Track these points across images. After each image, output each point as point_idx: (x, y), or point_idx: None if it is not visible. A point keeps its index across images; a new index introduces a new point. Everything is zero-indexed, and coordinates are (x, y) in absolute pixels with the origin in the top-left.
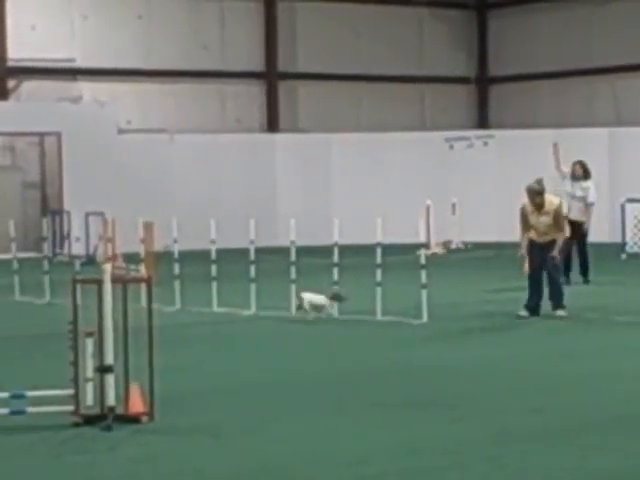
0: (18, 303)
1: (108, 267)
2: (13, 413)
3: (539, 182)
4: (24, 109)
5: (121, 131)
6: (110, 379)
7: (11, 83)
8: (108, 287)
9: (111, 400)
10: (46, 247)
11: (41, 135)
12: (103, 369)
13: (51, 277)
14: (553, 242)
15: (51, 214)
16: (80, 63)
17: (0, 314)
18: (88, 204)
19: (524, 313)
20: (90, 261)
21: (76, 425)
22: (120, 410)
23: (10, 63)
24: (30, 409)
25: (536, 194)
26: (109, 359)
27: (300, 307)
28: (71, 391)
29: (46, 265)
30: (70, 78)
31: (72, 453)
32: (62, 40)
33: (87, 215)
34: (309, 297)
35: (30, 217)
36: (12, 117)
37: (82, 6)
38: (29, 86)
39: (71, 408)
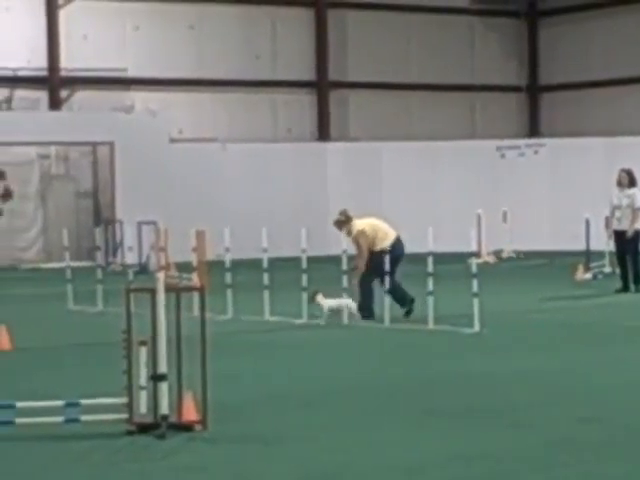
0: (71, 312)
1: (161, 276)
2: (67, 421)
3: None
4: (77, 119)
5: (173, 140)
6: (164, 387)
7: (64, 93)
8: (161, 296)
9: (164, 408)
10: (99, 256)
11: (94, 145)
12: (157, 377)
13: (104, 286)
14: None
15: (104, 223)
16: (132, 73)
17: (54, 323)
18: (140, 213)
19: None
20: (143, 270)
21: (130, 433)
22: (173, 418)
23: (63, 73)
24: (84, 417)
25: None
26: (162, 367)
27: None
28: (125, 399)
29: (99, 274)
30: (122, 88)
31: (126, 461)
32: (114, 50)
33: (139, 224)
34: (328, 302)
35: (83, 226)
36: (65, 127)
37: (134, 16)
38: (82, 96)
39: (125, 416)
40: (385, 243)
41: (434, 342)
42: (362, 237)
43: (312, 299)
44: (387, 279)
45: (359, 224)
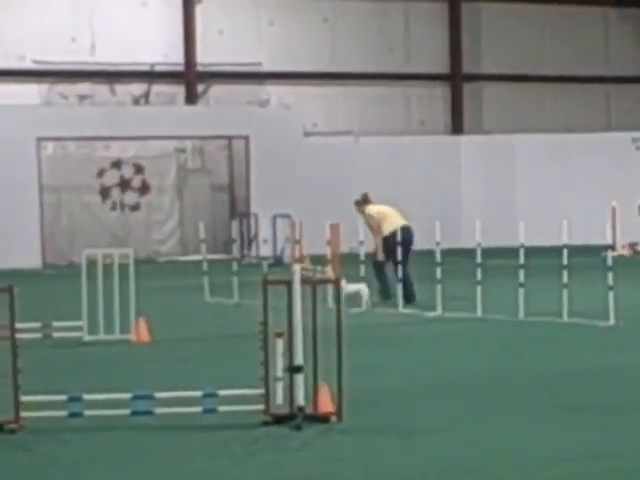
0: (208, 304)
1: (297, 268)
2: (205, 412)
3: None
4: (213, 113)
5: (307, 134)
6: (300, 379)
7: (200, 88)
8: (297, 288)
9: (301, 400)
10: (235, 249)
11: (229, 138)
12: (293, 369)
13: (240, 278)
14: None
15: (239, 216)
16: (267, 67)
17: (191, 315)
18: (275, 206)
19: None
20: (277, 263)
21: (266, 424)
22: (309, 410)
23: (199, 68)
24: (222, 408)
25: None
26: (299, 359)
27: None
28: (261, 390)
29: (235, 266)
30: (257, 82)
31: (262, 451)
32: (249, 44)
33: (274, 217)
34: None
35: (219, 219)
36: (201, 121)
37: (269, 11)
38: (217, 90)
39: (261, 407)
40: (389, 229)
41: (568, 335)
42: (370, 219)
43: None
44: (399, 267)
45: (371, 208)
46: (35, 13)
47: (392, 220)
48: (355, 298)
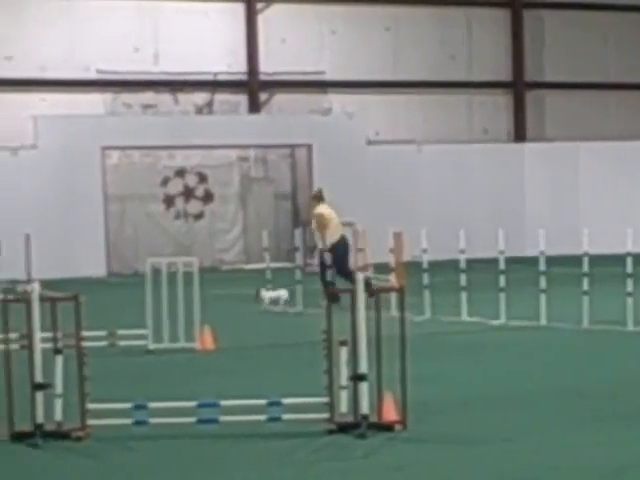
0: (272, 312)
1: (361, 277)
2: (270, 420)
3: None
4: (276, 122)
5: (370, 142)
6: (364, 387)
7: (263, 96)
8: (361, 297)
9: (365, 408)
10: (298, 257)
11: (292, 147)
12: (357, 377)
13: (303, 287)
14: None
15: (302, 225)
16: (329, 75)
17: (254, 323)
18: (338, 215)
19: None
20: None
21: (330, 432)
22: (373, 418)
23: (262, 77)
24: (286, 416)
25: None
26: (363, 368)
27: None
28: (326, 399)
29: (298, 275)
30: (320, 91)
31: (327, 460)
32: (312, 53)
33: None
34: (269, 294)
35: (282, 228)
36: (264, 130)
37: (331, 20)
38: (280, 99)
39: (326, 415)
40: (335, 237)
41: (634, 344)
42: (320, 218)
43: (256, 296)
44: (330, 272)
45: (323, 208)
46: (100, 24)
47: (337, 229)
48: (276, 302)
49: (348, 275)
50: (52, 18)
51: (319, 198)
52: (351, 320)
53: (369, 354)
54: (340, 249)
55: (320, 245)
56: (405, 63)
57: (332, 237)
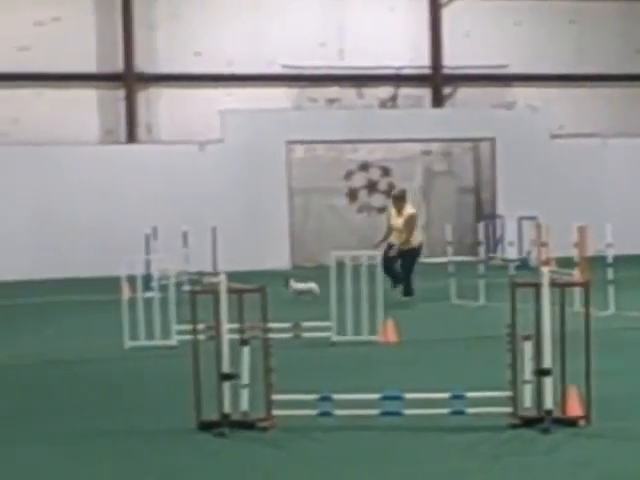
0: (454, 306)
1: (546, 271)
2: (453, 413)
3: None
4: (459, 115)
5: (554, 136)
6: (548, 382)
7: (447, 90)
8: (546, 291)
9: (549, 403)
10: (481, 251)
11: (475, 141)
12: (541, 372)
13: (486, 280)
14: None
15: (485, 219)
16: (513, 69)
17: (438, 317)
18: (521, 208)
19: None
20: (523, 265)
21: (514, 427)
22: (557, 413)
23: (446, 71)
24: (469, 410)
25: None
26: (547, 362)
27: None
28: (509, 393)
29: (481, 269)
30: (503, 84)
31: (510, 454)
32: (496, 47)
33: (520, 219)
34: (297, 285)
35: (464, 222)
36: (448, 124)
37: (515, 12)
38: (464, 93)
39: (509, 410)
40: (419, 240)
41: None
42: (412, 218)
43: (286, 284)
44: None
45: (412, 209)
46: (285, 19)
47: (420, 232)
48: (305, 294)
49: (402, 279)
50: (238, 14)
51: (404, 199)
52: (535, 314)
53: (554, 349)
54: (418, 253)
55: (398, 244)
56: (589, 56)
57: (416, 239)
